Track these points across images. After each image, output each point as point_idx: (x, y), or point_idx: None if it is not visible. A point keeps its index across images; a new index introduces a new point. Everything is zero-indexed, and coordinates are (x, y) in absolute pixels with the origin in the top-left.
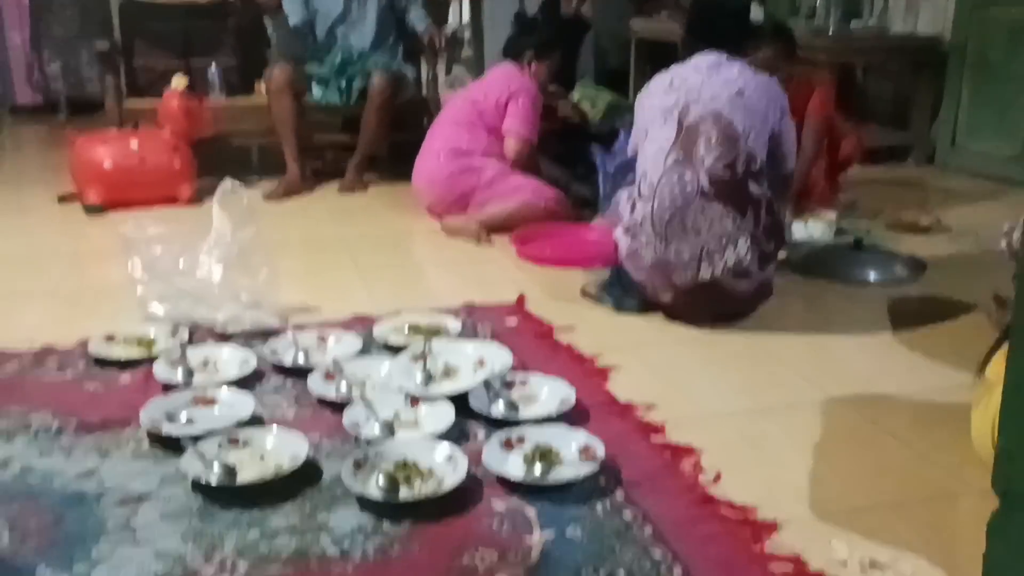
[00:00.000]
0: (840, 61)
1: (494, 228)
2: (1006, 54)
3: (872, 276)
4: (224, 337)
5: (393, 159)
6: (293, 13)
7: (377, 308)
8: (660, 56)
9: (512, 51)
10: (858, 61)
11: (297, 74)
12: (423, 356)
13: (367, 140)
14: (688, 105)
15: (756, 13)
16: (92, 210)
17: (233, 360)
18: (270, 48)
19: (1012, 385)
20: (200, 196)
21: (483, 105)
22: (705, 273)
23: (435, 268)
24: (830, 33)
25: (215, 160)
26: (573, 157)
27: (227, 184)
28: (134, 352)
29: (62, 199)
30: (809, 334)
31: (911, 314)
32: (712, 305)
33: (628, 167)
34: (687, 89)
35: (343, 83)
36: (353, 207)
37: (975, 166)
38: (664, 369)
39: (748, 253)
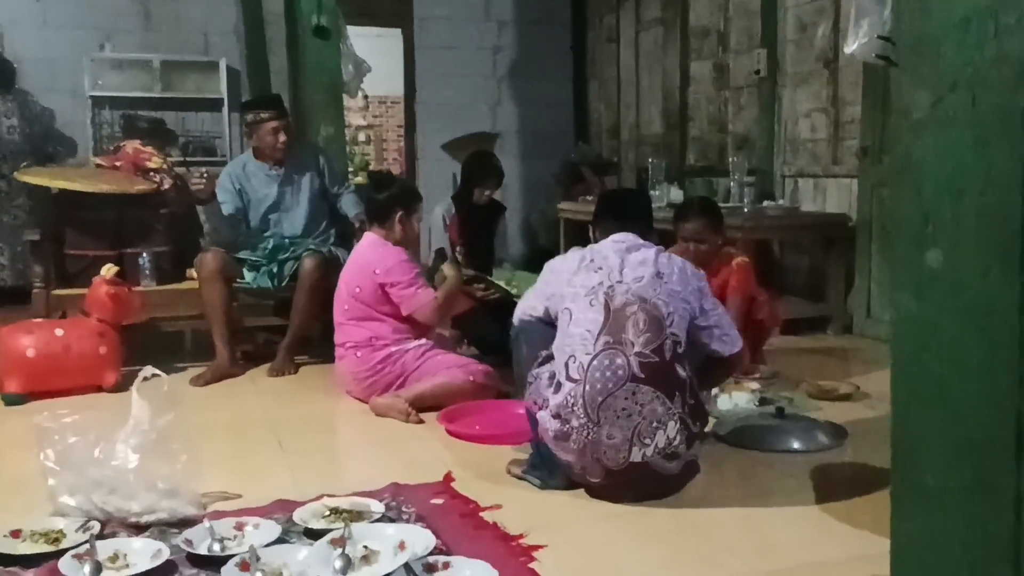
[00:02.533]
0: (755, 238)
1: (423, 406)
2: None
3: (795, 444)
4: (138, 528)
5: (325, 340)
6: (227, 202)
7: (301, 492)
8: (587, 236)
9: (378, 215)
10: (772, 237)
11: (229, 260)
12: (342, 541)
13: (298, 322)
14: (613, 287)
15: (676, 195)
16: (11, 400)
17: (144, 552)
18: (203, 235)
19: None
20: (126, 383)
21: (363, 297)
22: (636, 455)
23: (362, 448)
24: (745, 211)
25: (145, 346)
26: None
27: (147, 371)
28: (40, 548)
29: None
30: (735, 507)
31: (835, 482)
32: (641, 486)
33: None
34: (608, 269)
35: (275, 268)
36: (282, 389)
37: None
38: (591, 546)
39: (677, 435)
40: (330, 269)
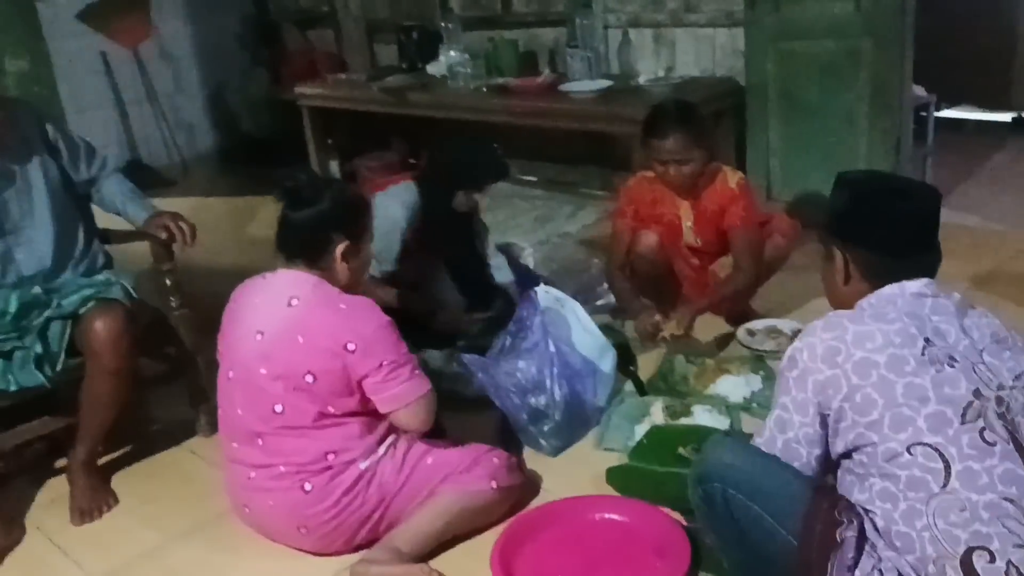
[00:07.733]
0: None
1: (433, 547)
2: (820, 93)
3: None
4: None
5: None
6: None
7: None
8: (331, 125)
9: (307, 248)
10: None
11: None
12: None
13: (96, 423)
14: (1003, 401)
15: (459, 63)
16: None
17: None
18: None
19: None
20: None
21: (321, 389)
22: None
23: None
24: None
25: None
26: None
27: None
28: None
29: None
30: None
31: None
32: None
33: None
34: (966, 360)
35: (38, 345)
36: (125, 553)
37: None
38: None
39: None
40: (135, 318)
